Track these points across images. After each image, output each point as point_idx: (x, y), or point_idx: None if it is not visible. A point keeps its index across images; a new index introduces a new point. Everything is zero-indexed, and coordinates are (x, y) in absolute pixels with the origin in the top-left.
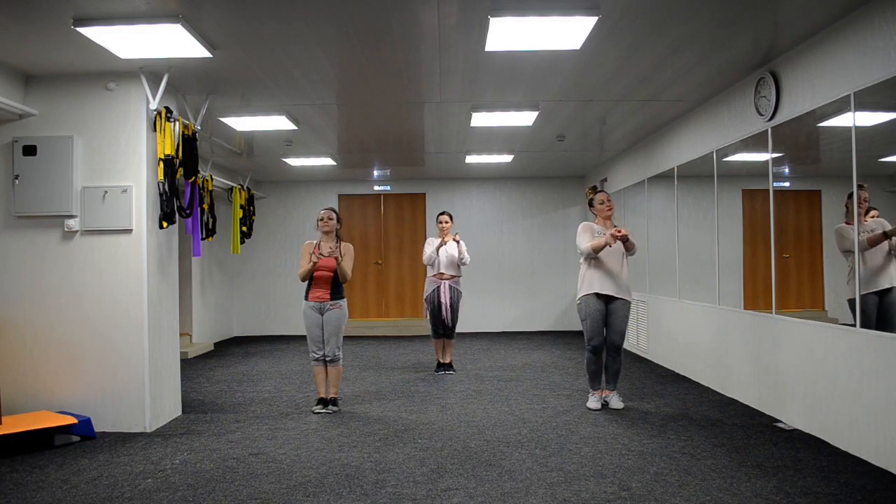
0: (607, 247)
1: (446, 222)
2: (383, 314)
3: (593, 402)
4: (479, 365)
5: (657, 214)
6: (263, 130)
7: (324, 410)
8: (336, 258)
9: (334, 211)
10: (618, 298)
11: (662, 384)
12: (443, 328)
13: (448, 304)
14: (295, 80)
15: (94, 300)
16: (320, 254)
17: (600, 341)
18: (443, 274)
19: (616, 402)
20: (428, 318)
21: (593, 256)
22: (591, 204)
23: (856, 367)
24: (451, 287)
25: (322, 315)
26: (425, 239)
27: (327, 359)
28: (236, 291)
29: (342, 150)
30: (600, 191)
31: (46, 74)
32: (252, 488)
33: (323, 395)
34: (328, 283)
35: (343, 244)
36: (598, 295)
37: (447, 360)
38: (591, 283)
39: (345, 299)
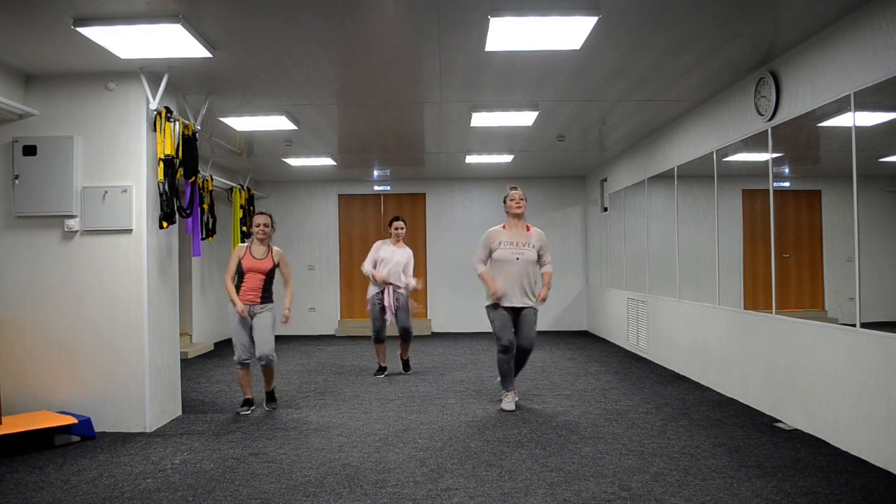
0: (513, 258)
1: (401, 228)
2: None
3: (507, 404)
4: (478, 365)
5: (657, 214)
6: (263, 130)
7: (248, 411)
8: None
9: (269, 216)
10: (524, 308)
11: (662, 384)
12: (401, 333)
13: (393, 309)
14: (295, 80)
15: (94, 300)
16: (252, 256)
17: (510, 340)
18: (389, 283)
19: (506, 403)
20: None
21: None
22: (504, 200)
23: (856, 367)
24: (395, 291)
25: (251, 318)
26: (425, 239)
27: (261, 362)
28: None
29: (342, 150)
30: (514, 188)
31: (46, 74)
32: (252, 488)
33: (249, 396)
34: (259, 286)
35: (274, 250)
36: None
37: (405, 357)
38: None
39: (274, 303)
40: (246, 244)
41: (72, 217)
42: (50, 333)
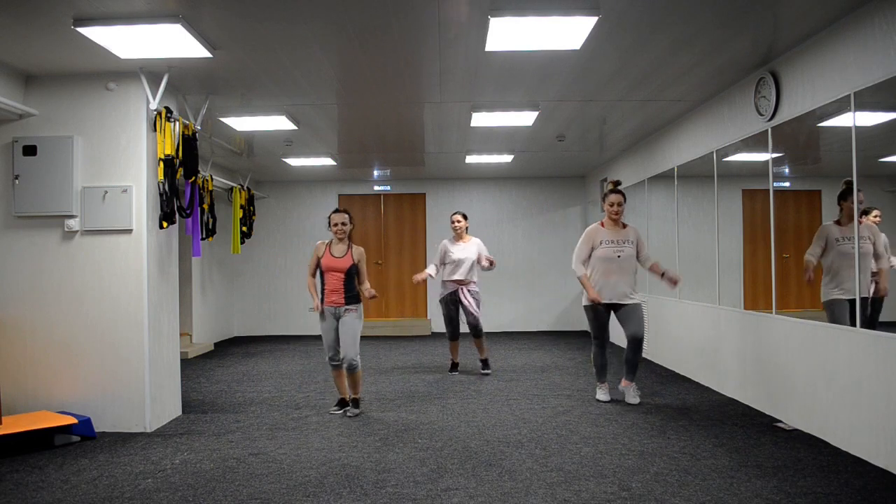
0: (615, 256)
1: (459, 221)
2: (383, 314)
3: (601, 394)
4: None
5: (657, 214)
6: (263, 130)
7: (339, 412)
8: (371, 293)
9: (347, 213)
10: (625, 304)
11: (662, 384)
12: (472, 330)
13: (468, 307)
14: (295, 80)
15: (94, 300)
16: (332, 255)
17: (605, 338)
18: (461, 280)
19: (631, 396)
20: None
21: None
22: (603, 198)
23: (856, 367)
24: (469, 291)
25: (337, 320)
26: (425, 239)
27: (344, 365)
28: (236, 291)
29: (342, 150)
30: (615, 191)
31: (46, 74)
32: (252, 488)
33: (343, 397)
34: (341, 286)
35: (355, 248)
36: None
37: (483, 357)
38: (598, 291)
39: (360, 304)
40: (326, 241)
41: (72, 217)
42: (50, 333)
